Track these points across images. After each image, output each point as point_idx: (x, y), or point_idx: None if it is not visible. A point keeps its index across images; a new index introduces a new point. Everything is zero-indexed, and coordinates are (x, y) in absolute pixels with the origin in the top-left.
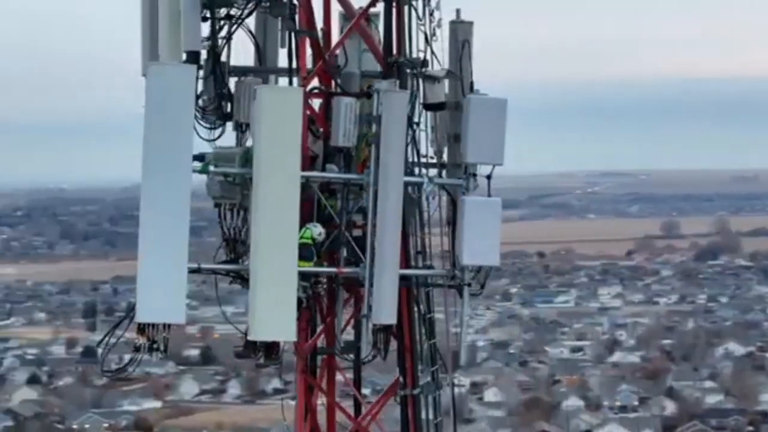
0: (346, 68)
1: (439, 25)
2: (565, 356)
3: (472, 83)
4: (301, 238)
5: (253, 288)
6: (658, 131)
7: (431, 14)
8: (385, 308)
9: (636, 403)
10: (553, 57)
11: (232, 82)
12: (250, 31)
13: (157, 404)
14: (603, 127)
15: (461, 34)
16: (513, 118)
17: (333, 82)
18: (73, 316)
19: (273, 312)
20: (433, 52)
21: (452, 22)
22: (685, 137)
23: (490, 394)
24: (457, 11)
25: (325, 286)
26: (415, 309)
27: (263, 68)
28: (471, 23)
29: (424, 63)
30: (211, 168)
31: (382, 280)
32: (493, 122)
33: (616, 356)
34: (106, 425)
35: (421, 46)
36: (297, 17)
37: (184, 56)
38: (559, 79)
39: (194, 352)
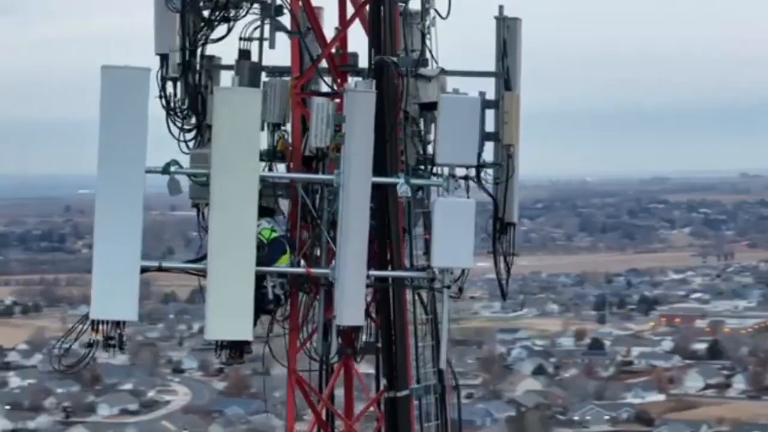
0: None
1: (433, 23)
2: None
3: (507, 81)
4: (267, 239)
5: (208, 286)
6: None
7: (426, 11)
8: (348, 310)
9: None
10: None
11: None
12: (291, 32)
13: (661, 397)
14: None
15: (502, 31)
16: None
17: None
18: (585, 308)
19: (228, 311)
20: (430, 51)
21: (496, 18)
22: None
23: None
24: (500, 8)
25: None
26: (413, 309)
27: (274, 67)
28: (516, 20)
29: (418, 62)
30: (172, 168)
31: (345, 282)
32: (465, 122)
33: None
34: (606, 417)
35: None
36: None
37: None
38: None
39: (702, 346)
